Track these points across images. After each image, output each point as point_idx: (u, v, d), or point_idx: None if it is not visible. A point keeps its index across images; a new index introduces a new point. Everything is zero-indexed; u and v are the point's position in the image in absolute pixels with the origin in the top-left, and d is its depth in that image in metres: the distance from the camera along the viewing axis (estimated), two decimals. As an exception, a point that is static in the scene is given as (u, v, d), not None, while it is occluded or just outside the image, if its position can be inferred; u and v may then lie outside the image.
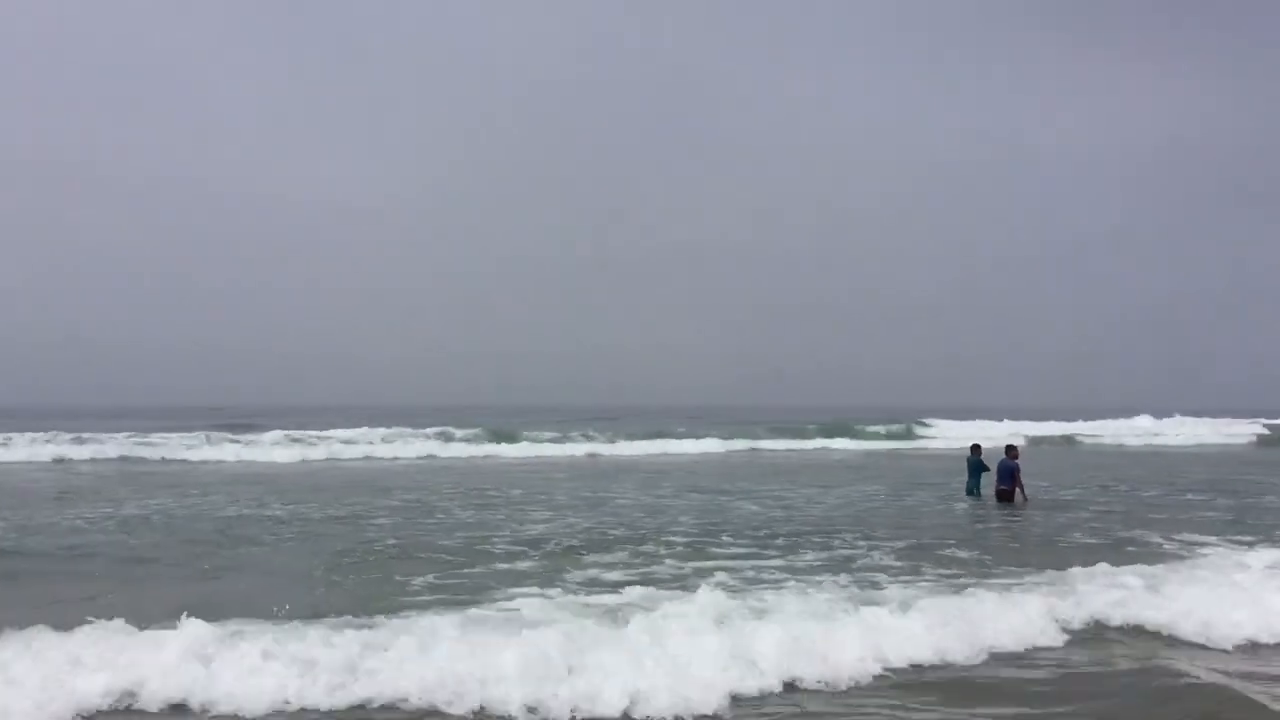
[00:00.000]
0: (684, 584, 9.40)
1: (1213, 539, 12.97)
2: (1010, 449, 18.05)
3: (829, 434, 43.39)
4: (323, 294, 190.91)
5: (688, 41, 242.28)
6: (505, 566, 10.71)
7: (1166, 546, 12.34)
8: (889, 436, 45.22)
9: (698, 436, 39.62)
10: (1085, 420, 53.70)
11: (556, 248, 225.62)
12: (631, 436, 38.82)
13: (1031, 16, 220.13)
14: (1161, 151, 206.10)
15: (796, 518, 15.45)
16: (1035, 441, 42.60)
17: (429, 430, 38.61)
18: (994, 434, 44.59)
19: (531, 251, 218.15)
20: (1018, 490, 17.20)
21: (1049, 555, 11.52)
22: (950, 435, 44.94)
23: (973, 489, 18.27)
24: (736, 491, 20.05)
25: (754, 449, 38.35)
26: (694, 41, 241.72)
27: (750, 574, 10.17)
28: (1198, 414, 58.31)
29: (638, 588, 9.04)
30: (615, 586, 9.36)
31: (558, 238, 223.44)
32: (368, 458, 31.98)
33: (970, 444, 19.66)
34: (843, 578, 9.93)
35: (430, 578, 10.00)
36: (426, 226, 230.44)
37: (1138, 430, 51.67)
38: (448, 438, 36.93)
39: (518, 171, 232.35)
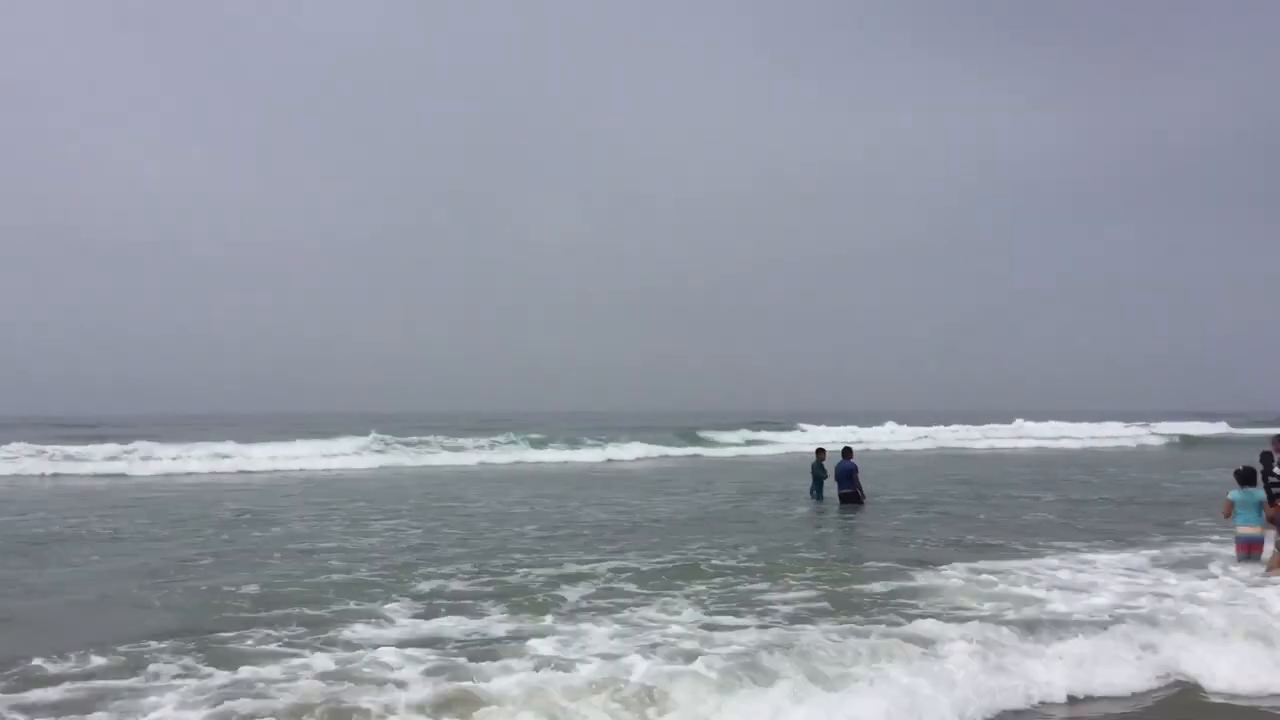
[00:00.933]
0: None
1: (1041, 542, 13.55)
2: (847, 450, 18.52)
3: (691, 440, 43.70)
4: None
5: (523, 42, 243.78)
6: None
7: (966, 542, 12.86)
8: (748, 443, 45.10)
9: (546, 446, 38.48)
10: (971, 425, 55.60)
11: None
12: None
13: (872, 20, 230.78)
14: (990, 156, 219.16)
15: (643, 524, 15.49)
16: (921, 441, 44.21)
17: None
18: (869, 438, 46.15)
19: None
20: (858, 491, 17.68)
21: (884, 552, 11.89)
22: (808, 440, 45.67)
23: (815, 492, 18.66)
24: (583, 500, 20.02)
25: (609, 459, 36.04)
26: (534, 43, 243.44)
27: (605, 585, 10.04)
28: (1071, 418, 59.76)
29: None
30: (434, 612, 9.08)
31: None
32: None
33: (815, 448, 20.14)
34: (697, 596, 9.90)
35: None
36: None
37: (1002, 433, 52.79)
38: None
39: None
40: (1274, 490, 11.92)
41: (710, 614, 8.64)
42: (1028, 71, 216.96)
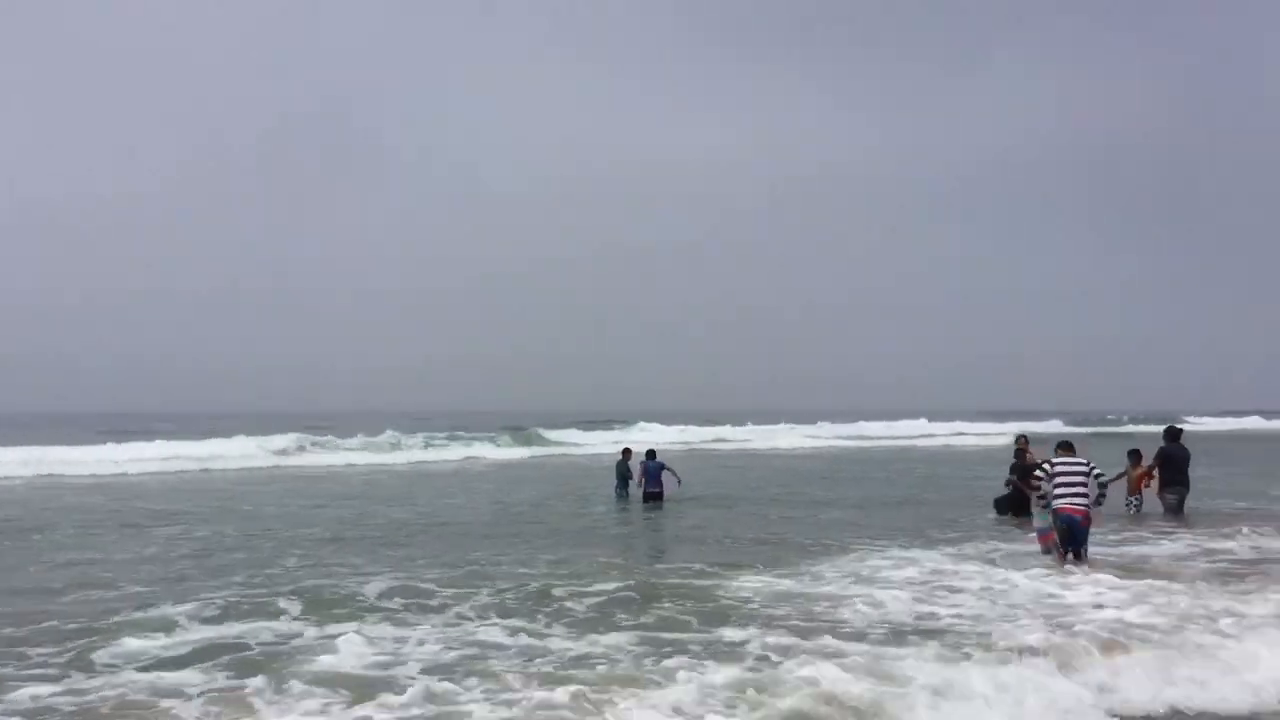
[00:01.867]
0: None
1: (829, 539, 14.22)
2: (650, 453, 18.93)
3: (527, 441, 43.22)
4: None
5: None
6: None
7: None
8: (562, 443, 44.11)
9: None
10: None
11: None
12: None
13: (688, 25, 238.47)
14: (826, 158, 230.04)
15: (430, 528, 15.32)
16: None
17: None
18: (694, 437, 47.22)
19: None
20: (661, 491, 18.08)
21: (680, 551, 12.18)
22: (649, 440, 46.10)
23: (620, 492, 18.93)
24: (384, 501, 19.69)
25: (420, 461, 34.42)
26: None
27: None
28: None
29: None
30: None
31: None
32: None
33: (621, 448, 20.45)
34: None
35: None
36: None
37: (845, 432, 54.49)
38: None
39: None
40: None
41: (478, 627, 8.42)
42: (858, 80, 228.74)
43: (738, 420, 57.78)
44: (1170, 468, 15.64)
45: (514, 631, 8.08)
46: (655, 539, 14.71)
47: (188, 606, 8.98)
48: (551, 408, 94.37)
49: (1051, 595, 9.32)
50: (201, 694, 6.51)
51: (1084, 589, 9.48)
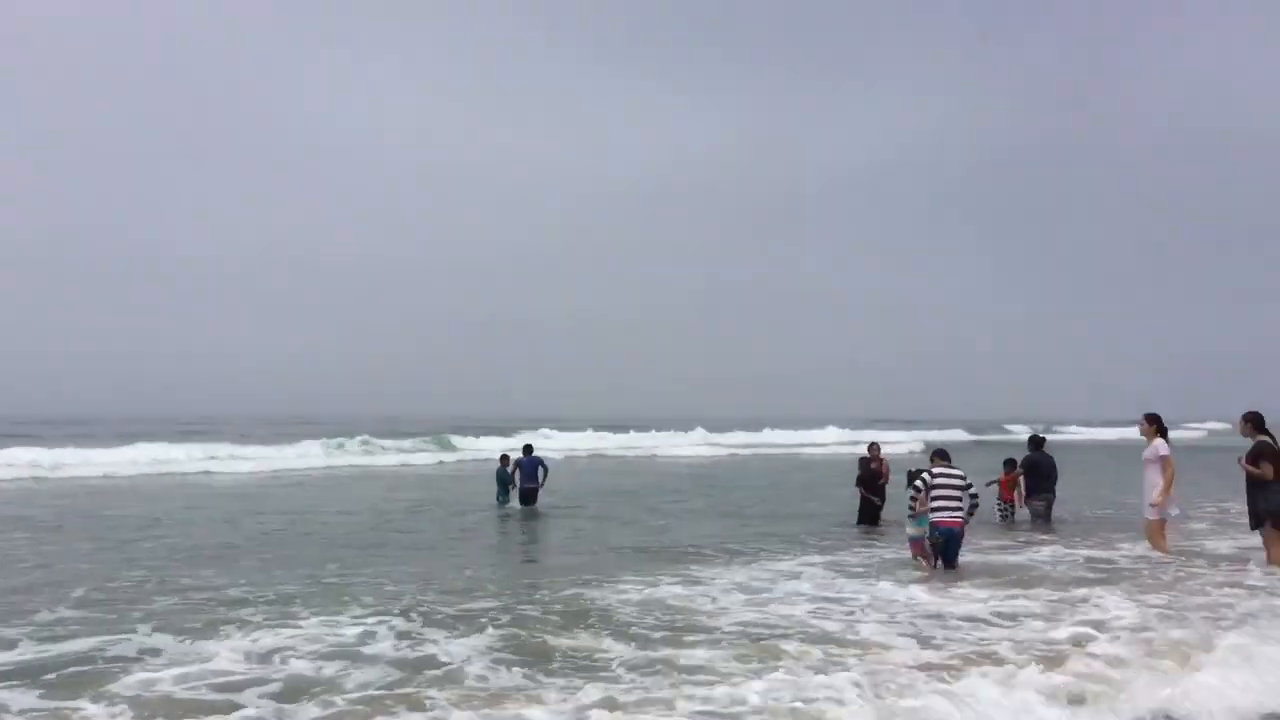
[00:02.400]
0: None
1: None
2: (527, 447, 19.38)
3: (441, 446, 42.49)
4: None
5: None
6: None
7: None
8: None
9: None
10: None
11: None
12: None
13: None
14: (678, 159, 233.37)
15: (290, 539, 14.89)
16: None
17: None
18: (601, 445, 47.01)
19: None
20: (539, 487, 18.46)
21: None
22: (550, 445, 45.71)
23: (501, 498, 18.85)
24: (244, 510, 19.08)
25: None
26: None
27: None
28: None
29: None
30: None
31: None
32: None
33: (499, 454, 20.40)
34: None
35: None
36: None
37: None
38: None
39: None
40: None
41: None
42: (711, 84, 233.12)
43: (660, 426, 57.97)
44: (1036, 476, 16.24)
45: (363, 640, 7.84)
46: (527, 549, 14.54)
47: (23, 623, 8.51)
48: (460, 413, 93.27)
49: (914, 602, 9.37)
50: (23, 713, 6.17)
51: (952, 596, 9.61)
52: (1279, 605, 9.13)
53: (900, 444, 44.43)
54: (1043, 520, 15.90)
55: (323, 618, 8.70)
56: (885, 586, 10.13)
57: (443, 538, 14.91)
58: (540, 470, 18.55)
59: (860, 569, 11.43)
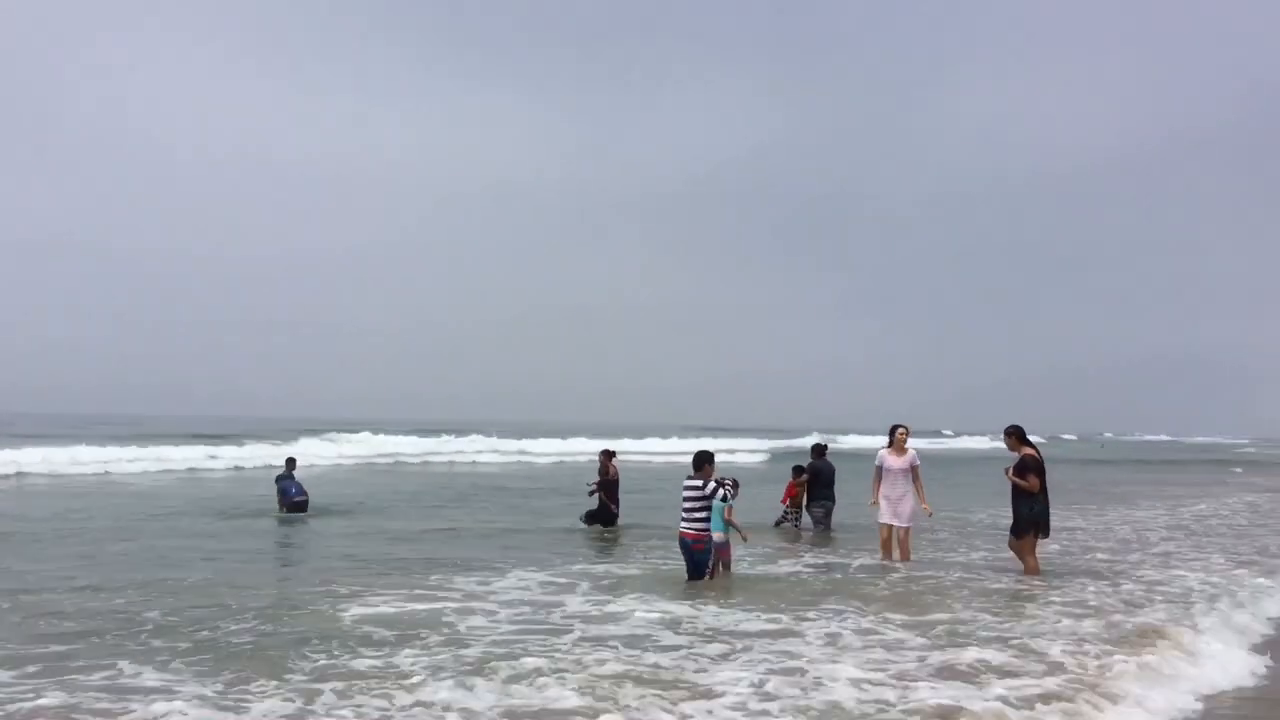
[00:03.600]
0: None
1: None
2: (290, 461, 18.85)
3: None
4: None
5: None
6: None
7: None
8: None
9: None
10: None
11: None
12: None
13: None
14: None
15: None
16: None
17: None
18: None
19: None
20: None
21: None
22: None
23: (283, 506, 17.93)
24: None
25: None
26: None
27: None
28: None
29: None
30: None
31: None
32: None
33: (285, 458, 19.56)
34: None
35: None
36: None
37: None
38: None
39: None
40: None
41: None
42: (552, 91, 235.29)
43: (484, 431, 56.07)
44: (818, 483, 16.53)
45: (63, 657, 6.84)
46: (273, 557, 13.57)
47: None
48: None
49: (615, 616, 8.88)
50: None
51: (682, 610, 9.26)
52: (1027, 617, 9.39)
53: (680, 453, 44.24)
54: (823, 527, 16.15)
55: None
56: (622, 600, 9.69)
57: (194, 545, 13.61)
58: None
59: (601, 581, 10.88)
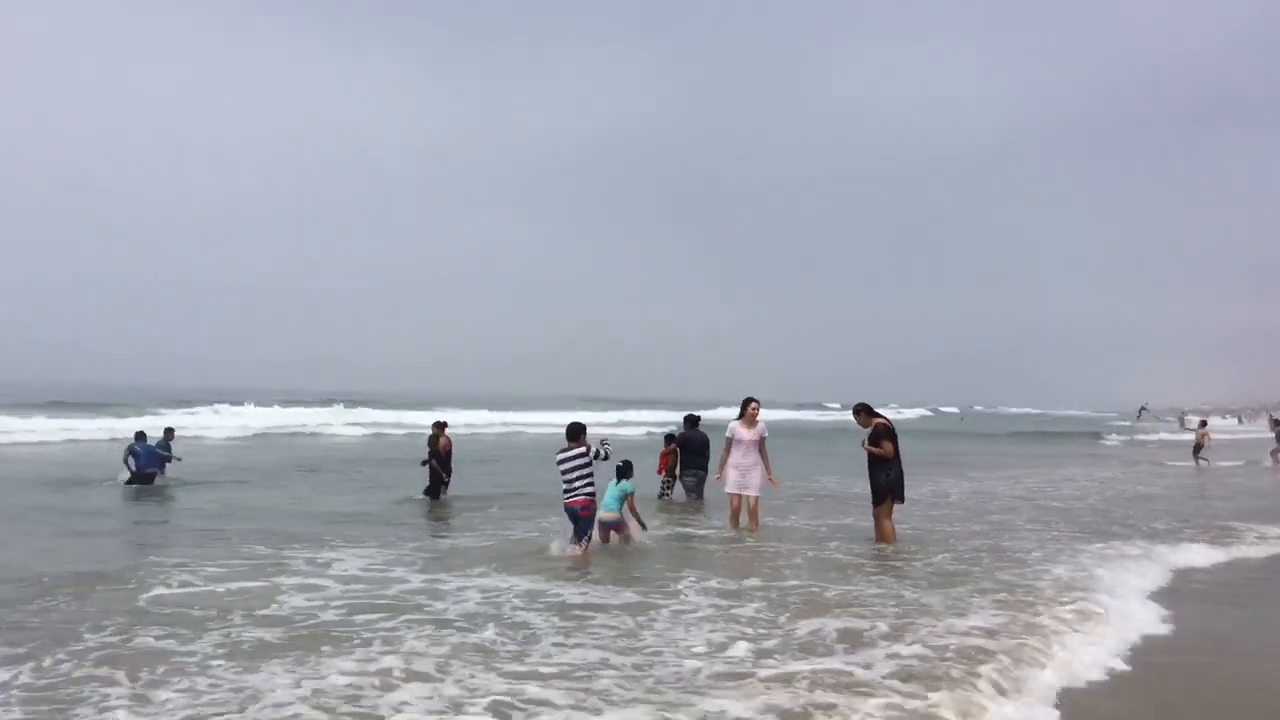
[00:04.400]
0: None
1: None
2: (139, 434, 18.39)
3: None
4: None
5: None
6: None
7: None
8: None
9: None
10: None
11: None
12: None
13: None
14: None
15: None
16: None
17: None
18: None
19: None
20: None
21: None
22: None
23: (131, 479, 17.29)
24: None
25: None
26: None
27: None
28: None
29: None
30: None
31: None
32: None
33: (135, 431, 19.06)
34: None
35: None
36: None
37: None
38: None
39: None
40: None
41: None
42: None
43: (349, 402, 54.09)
44: (689, 452, 16.36)
45: None
46: (104, 531, 12.57)
47: None
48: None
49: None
50: None
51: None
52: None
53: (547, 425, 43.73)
54: (695, 495, 15.99)
55: None
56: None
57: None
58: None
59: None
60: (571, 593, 8.35)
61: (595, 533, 10.74)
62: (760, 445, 12.58)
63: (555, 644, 6.61)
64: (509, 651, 6.39)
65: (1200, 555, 11.34)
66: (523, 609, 7.69)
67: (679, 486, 16.39)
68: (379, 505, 15.40)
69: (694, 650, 6.47)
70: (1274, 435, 32.09)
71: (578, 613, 7.58)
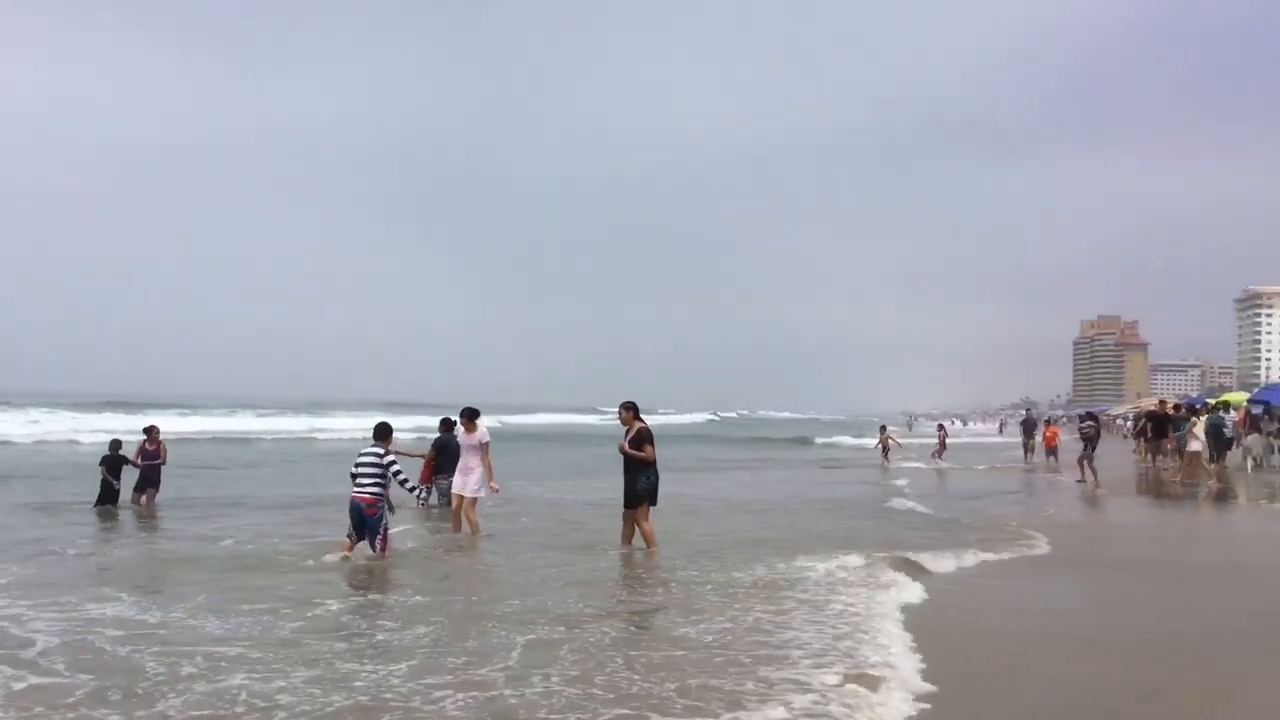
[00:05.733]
0: None
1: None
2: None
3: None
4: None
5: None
6: None
7: None
8: None
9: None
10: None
11: None
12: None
13: None
14: None
15: None
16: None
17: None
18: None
19: None
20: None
21: None
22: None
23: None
24: None
25: None
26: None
27: None
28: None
29: None
30: None
31: None
32: None
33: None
34: None
35: None
36: None
37: None
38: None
39: None
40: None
41: None
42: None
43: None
44: (445, 455, 16.15)
45: None
46: None
47: None
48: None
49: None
50: None
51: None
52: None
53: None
54: (447, 500, 15.77)
55: None
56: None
57: None
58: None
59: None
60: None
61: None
62: (482, 450, 13.27)
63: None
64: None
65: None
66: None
67: (433, 493, 16.11)
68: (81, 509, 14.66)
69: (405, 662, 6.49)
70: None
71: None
